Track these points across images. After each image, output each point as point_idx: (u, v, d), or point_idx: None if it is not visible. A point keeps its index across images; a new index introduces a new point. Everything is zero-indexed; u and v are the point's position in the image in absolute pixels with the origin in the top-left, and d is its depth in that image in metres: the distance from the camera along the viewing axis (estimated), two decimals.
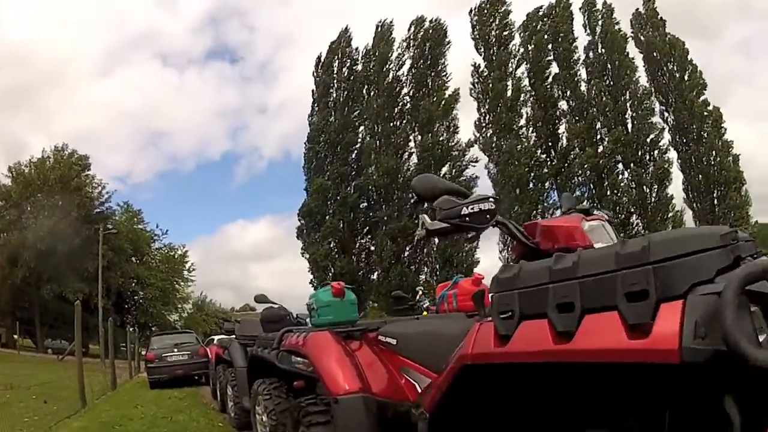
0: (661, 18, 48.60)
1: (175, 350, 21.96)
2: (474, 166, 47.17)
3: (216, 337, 23.52)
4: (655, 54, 47.31)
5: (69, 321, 38.99)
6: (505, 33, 49.23)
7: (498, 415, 3.00)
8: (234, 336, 11.42)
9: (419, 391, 3.73)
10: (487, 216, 2.99)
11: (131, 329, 42.62)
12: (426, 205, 3.22)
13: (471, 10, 50.13)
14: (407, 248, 46.32)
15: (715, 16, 73.06)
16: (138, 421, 11.20)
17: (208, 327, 63.98)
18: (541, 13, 49.31)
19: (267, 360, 6.10)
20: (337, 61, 50.93)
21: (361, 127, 49.81)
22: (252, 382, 6.77)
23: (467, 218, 2.96)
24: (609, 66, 46.98)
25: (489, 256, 46.09)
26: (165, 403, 14.75)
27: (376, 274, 46.64)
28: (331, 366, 4.27)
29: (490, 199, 3.03)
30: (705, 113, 45.80)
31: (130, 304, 59.56)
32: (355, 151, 49.19)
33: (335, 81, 50.34)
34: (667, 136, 46.52)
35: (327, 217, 47.03)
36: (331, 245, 47.11)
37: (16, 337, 50.66)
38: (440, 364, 3.28)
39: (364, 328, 4.73)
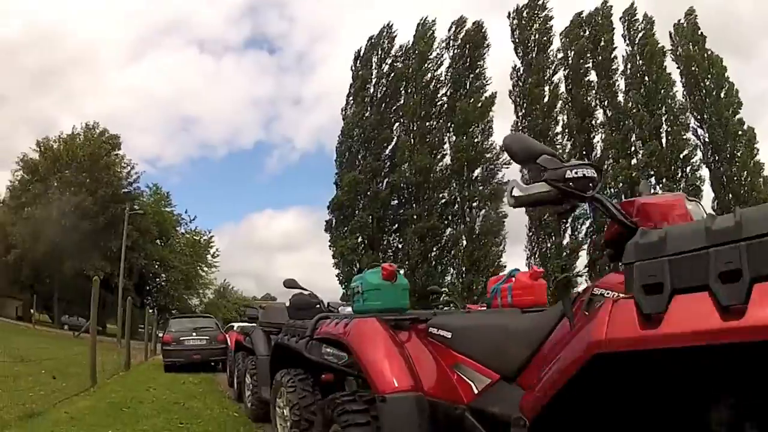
0: (702, 33, 48.01)
1: (194, 334, 21.02)
2: (507, 168, 46.27)
3: (236, 324, 23.22)
4: (694, 69, 46.76)
5: (87, 298, 38.54)
6: (545, 38, 48.73)
7: (627, 416, 2.42)
8: (256, 323, 10.72)
9: (476, 391, 3.28)
10: (590, 184, 2.52)
11: (150, 311, 42.42)
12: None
13: (509, 14, 49.90)
14: (434, 248, 45.78)
15: (753, 36, 72.28)
16: (148, 404, 10.47)
17: (228, 314, 63.95)
18: (582, 18, 48.95)
19: (293, 349, 5.59)
20: (376, 56, 50.17)
21: (396, 124, 49.03)
22: (274, 372, 6.31)
23: (571, 183, 2.50)
24: (646, 78, 46.51)
25: (515, 262, 45.60)
26: (178, 387, 14.03)
27: (402, 272, 44.83)
28: (378, 359, 3.71)
29: (593, 167, 2.57)
30: (740, 132, 45.22)
31: (151, 286, 59.73)
32: (389, 148, 48.40)
33: (373, 76, 49.58)
34: (699, 153, 46.10)
35: (357, 212, 46.45)
36: (359, 240, 46.55)
37: (33, 311, 50.61)
38: (504, 362, 3.08)
39: (414, 318, 4.16)
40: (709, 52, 47.55)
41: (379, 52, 50.28)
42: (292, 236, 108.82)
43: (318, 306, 7.80)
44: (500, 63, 49.06)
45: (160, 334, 28.93)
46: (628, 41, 48.29)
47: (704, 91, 47.00)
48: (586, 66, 47.99)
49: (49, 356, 16.49)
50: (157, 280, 60.00)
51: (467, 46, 49.05)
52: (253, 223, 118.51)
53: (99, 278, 15.75)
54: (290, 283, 8.10)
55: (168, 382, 15.44)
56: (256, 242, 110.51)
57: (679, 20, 48.87)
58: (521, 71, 48.26)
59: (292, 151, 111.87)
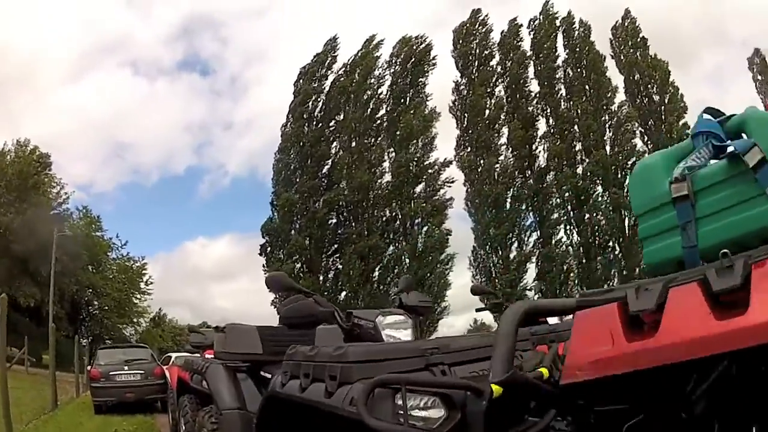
0: (643, 37, 48.95)
1: (126, 368, 18.90)
2: (450, 186, 46.74)
3: (174, 355, 21.57)
4: (636, 77, 48.02)
5: (18, 327, 37.92)
6: (486, 52, 49.43)
7: None
8: (213, 353, 7.16)
9: None
10: None
11: (83, 341, 41.31)
12: None
13: (455, 29, 50.33)
14: (377, 268, 45.42)
15: (690, 42, 73.93)
16: None
17: (165, 343, 62.92)
18: (518, 25, 50.03)
19: (324, 408, 3.14)
20: (318, 72, 49.77)
21: (335, 141, 48.70)
22: None
23: None
24: (587, 87, 47.52)
25: (461, 280, 45.32)
26: None
27: (343, 294, 44.98)
28: None
29: None
30: (684, 137, 45.63)
31: (84, 314, 58.23)
32: (327, 165, 48.11)
33: (314, 92, 49.12)
34: None
35: (293, 233, 45.78)
36: (297, 264, 45.72)
37: None
38: None
39: None
40: (652, 56, 48.11)
41: (320, 68, 49.88)
42: (226, 264, 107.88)
43: (334, 316, 5.06)
44: (441, 80, 48.95)
45: (88, 368, 25.65)
46: (567, 49, 49.05)
47: (647, 97, 47.88)
48: (525, 75, 48.71)
49: None
50: (90, 308, 58.59)
51: (410, 61, 49.27)
52: (187, 251, 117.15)
53: (5, 295, 14.80)
54: (279, 282, 5.33)
55: (97, 429, 14.08)
56: (190, 271, 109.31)
57: (617, 22, 49.94)
58: (463, 85, 48.72)
59: (224, 177, 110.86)
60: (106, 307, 56.25)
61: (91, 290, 56.09)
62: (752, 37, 72.11)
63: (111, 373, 18.55)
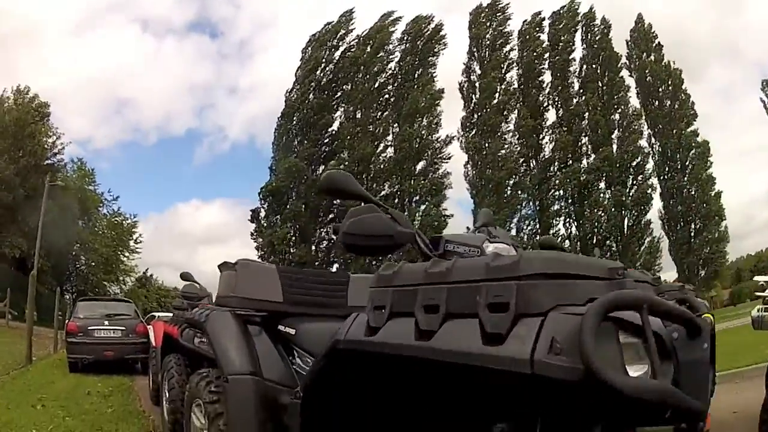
0: (659, 43, 48.85)
1: (106, 323, 16.73)
2: (447, 162, 46.62)
3: (159, 314, 19.52)
4: (648, 78, 47.59)
5: (2, 278, 37.19)
6: (501, 40, 49.29)
7: None
8: (215, 301, 5.40)
9: None
10: None
11: (67, 296, 40.38)
12: None
13: (472, 11, 50.20)
14: None
15: (703, 56, 74.12)
16: None
17: (149, 304, 61.92)
18: (541, 18, 49.98)
19: (478, 362, 1.79)
20: (329, 42, 49.42)
21: (339, 111, 48.55)
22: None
23: None
24: (600, 84, 47.51)
25: None
26: (80, 402, 10.15)
27: (335, 266, 44.86)
28: None
29: None
30: (693, 144, 45.62)
31: (70, 269, 57.34)
32: (329, 135, 47.99)
33: (324, 60, 48.92)
34: (651, 162, 47.06)
35: (290, 200, 45.48)
36: (291, 230, 45.54)
37: None
38: None
39: None
40: (666, 62, 47.87)
41: (332, 38, 49.53)
42: (216, 228, 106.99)
43: (416, 238, 3.02)
44: (448, 61, 48.88)
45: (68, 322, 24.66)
46: (585, 45, 49.06)
47: (658, 101, 47.59)
48: (541, 67, 48.76)
49: None
50: (77, 263, 57.46)
51: (421, 39, 49.04)
52: (179, 213, 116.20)
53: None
54: (341, 184, 2.92)
55: (68, 389, 12.09)
56: (180, 233, 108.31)
57: (634, 27, 50.24)
58: (474, 68, 48.69)
59: (223, 141, 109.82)
60: (93, 263, 55.29)
61: (78, 244, 54.92)
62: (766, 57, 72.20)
63: (89, 327, 16.56)
